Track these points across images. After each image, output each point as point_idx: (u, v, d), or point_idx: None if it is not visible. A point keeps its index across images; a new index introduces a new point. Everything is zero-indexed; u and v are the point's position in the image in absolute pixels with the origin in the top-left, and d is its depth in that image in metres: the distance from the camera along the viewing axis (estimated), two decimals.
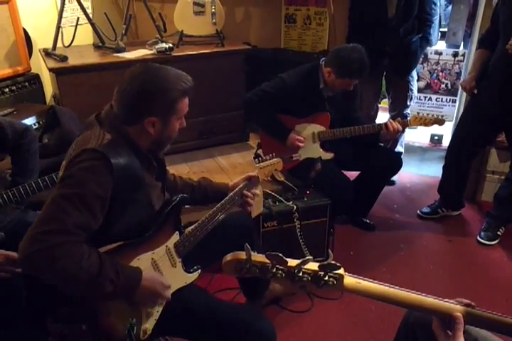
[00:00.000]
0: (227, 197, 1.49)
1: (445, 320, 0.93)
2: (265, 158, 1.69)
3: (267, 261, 0.77)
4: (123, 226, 1.20)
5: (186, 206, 1.66)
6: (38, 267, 1.05)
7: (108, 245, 1.19)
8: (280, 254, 0.76)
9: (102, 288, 1.09)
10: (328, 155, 2.33)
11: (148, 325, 1.25)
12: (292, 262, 0.79)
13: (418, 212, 2.76)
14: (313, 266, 0.81)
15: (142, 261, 1.24)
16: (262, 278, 1.77)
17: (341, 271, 0.82)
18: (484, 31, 2.46)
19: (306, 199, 2.16)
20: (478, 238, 2.51)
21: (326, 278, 0.81)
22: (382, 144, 2.54)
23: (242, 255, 0.78)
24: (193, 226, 1.39)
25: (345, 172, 2.40)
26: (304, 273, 0.79)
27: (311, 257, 0.77)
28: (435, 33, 3.40)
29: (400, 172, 2.52)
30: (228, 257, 0.80)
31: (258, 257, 0.78)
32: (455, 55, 3.51)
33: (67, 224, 1.06)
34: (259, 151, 2.47)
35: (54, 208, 1.08)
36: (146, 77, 1.21)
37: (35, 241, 1.04)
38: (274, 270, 0.78)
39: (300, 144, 2.25)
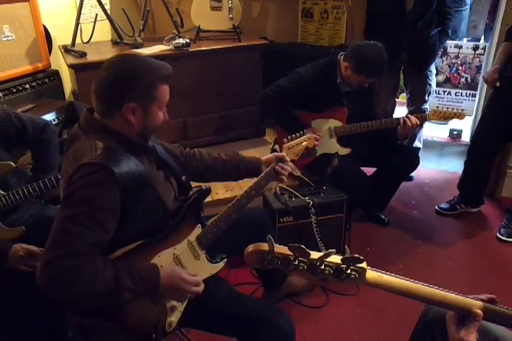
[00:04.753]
0: (252, 184, 1.43)
1: (462, 314, 0.92)
2: (294, 135, 1.61)
3: (290, 252, 0.77)
4: (138, 225, 1.19)
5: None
6: (56, 292, 1.06)
7: (127, 245, 1.18)
8: (303, 246, 0.75)
9: (121, 297, 1.10)
10: (345, 151, 2.31)
11: (174, 318, 1.26)
12: (315, 254, 0.78)
13: (436, 207, 2.72)
14: (335, 258, 0.80)
15: (163, 258, 1.24)
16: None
17: (364, 264, 0.82)
18: None
19: (322, 194, 2.15)
20: (498, 234, 2.47)
21: (349, 271, 0.80)
22: (399, 141, 2.51)
23: (265, 246, 0.77)
24: (215, 217, 1.38)
25: (362, 168, 2.38)
26: (326, 265, 0.78)
27: (333, 250, 0.77)
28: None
29: (419, 167, 2.49)
30: (250, 248, 0.79)
31: (280, 249, 0.78)
32: (475, 48, 3.43)
33: (78, 245, 1.05)
34: (276, 147, 2.47)
35: (62, 231, 1.06)
36: (120, 65, 1.18)
37: (48, 267, 1.04)
38: (296, 262, 0.77)
39: (315, 142, 2.24)
